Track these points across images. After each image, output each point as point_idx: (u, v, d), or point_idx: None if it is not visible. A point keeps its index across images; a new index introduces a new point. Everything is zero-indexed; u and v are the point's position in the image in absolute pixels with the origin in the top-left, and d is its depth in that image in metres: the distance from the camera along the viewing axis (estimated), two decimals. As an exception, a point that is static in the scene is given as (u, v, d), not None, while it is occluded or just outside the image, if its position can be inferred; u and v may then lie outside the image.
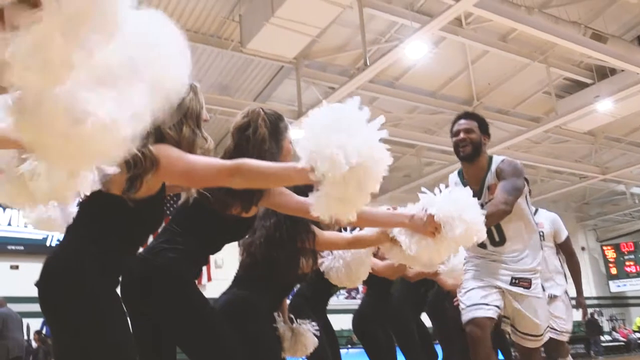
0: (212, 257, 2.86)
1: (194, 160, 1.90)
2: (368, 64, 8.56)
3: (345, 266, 3.33)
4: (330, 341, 3.69)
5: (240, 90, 10.71)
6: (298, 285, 3.69)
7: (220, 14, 8.82)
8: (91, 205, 1.86)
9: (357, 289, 13.96)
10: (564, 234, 4.80)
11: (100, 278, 1.80)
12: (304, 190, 2.02)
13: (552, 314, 4.20)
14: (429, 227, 2.38)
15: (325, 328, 3.69)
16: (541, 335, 3.28)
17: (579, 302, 4.93)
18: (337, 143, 1.66)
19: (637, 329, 19.29)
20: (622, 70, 10.29)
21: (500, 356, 5.35)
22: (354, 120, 1.71)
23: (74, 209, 2.02)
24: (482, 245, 3.22)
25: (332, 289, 3.75)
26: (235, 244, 2.72)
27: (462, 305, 3.22)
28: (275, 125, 2.48)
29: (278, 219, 2.78)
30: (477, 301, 3.13)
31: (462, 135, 3.33)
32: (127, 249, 1.95)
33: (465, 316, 3.15)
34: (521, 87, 11.80)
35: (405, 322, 4.69)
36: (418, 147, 13.57)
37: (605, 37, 8.91)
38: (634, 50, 9.40)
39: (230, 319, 2.52)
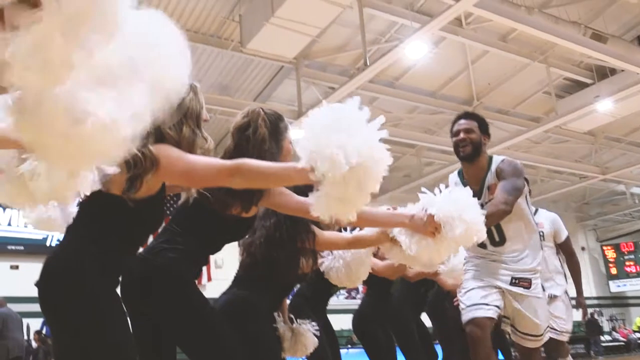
0: (212, 257, 2.86)
1: (194, 160, 1.90)
2: (368, 64, 8.56)
3: (345, 266, 3.33)
4: (330, 341, 3.68)
5: (240, 90, 10.71)
6: (298, 285, 3.69)
7: (220, 14, 8.82)
8: (91, 205, 1.86)
9: (357, 289, 13.96)
10: (564, 234, 4.79)
11: (100, 278, 1.80)
12: (304, 190, 2.02)
13: (552, 314, 4.20)
14: (429, 227, 2.38)
15: (325, 328, 3.69)
16: (541, 335, 3.27)
17: (579, 302, 4.93)
18: (337, 143, 1.66)
19: (637, 329, 19.29)
20: (622, 70, 10.29)
21: (500, 356, 5.35)
22: (354, 120, 1.71)
23: (74, 209, 2.02)
24: (482, 245, 3.21)
25: (332, 289, 3.75)
26: (235, 244, 2.72)
27: (462, 305, 3.22)
28: (275, 125, 2.48)
29: (278, 219, 2.78)
30: (477, 301, 3.13)
31: (462, 135, 3.33)
32: (127, 249, 1.95)
33: (466, 316, 3.14)
34: (521, 87, 11.80)
35: (405, 322, 4.69)
36: (418, 147, 13.57)
37: (605, 37, 8.91)
38: (634, 50, 9.40)
39: (230, 319, 2.52)
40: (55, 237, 11.54)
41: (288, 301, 3.46)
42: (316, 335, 3.15)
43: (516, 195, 3.13)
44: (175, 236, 2.28)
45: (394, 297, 4.62)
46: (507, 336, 4.06)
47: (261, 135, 2.41)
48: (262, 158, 2.28)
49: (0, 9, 0.97)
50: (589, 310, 17.08)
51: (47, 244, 11.65)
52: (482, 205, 3.09)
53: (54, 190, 1.62)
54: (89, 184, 1.64)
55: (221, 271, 12.04)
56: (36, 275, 1.81)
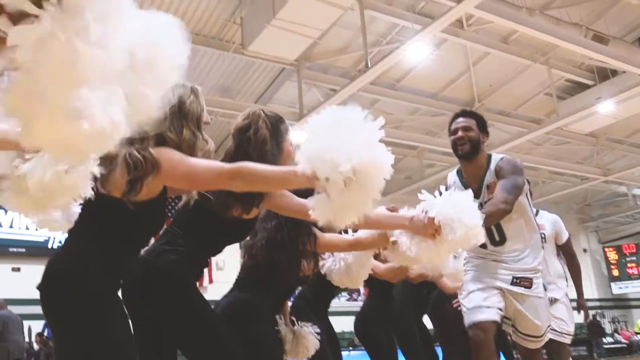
0: (213, 259, 2.87)
1: (195, 163, 1.90)
2: (369, 66, 8.56)
3: (346, 267, 3.32)
4: (331, 343, 3.68)
5: (242, 93, 10.72)
6: (300, 288, 3.69)
7: (221, 17, 8.83)
8: (92, 207, 1.87)
9: (358, 291, 13.97)
10: (565, 236, 4.78)
11: (102, 280, 1.80)
12: (304, 192, 2.02)
13: (553, 315, 4.18)
14: (429, 229, 2.38)
15: (327, 330, 3.69)
16: (542, 336, 3.25)
17: (580, 304, 4.91)
18: (339, 147, 1.66)
19: (639, 331, 19.24)
20: (624, 72, 10.28)
21: (502, 358, 5.34)
22: (355, 125, 1.71)
23: (76, 210, 2.02)
24: (482, 245, 3.13)
25: (333, 291, 3.75)
26: (236, 245, 2.72)
27: (464, 309, 3.19)
28: (276, 127, 2.48)
29: (279, 221, 2.78)
30: (478, 303, 3.10)
31: (460, 133, 3.29)
32: (128, 251, 1.95)
33: (468, 319, 3.11)
34: (522, 88, 11.80)
35: (407, 324, 4.68)
36: (419, 149, 13.58)
37: (607, 38, 8.91)
38: (636, 52, 9.40)
39: (231, 322, 2.52)
40: (56, 239, 11.56)
41: (290, 303, 3.46)
42: (317, 338, 3.15)
43: (516, 194, 3.09)
44: (176, 238, 2.29)
45: (395, 299, 4.62)
46: (509, 337, 4.06)
47: (262, 137, 2.41)
48: (263, 159, 2.29)
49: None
50: (591, 312, 17.12)
51: (49, 246, 11.67)
52: (481, 205, 3.09)
53: (54, 192, 1.62)
54: (89, 188, 1.64)
55: (222, 273, 12.03)
56: (38, 278, 1.82)
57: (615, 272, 20.98)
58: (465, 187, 3.26)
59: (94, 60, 1.00)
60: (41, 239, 11.73)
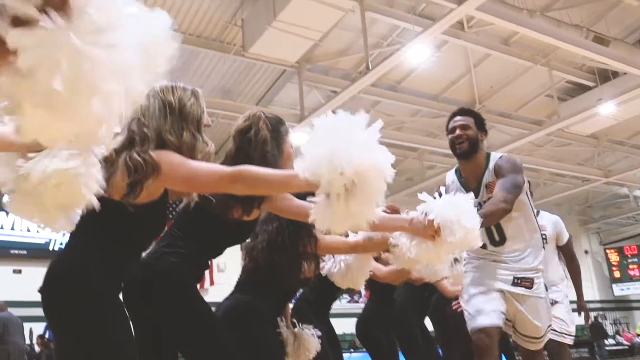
0: (214, 262, 2.87)
1: (196, 166, 1.91)
2: (370, 67, 8.56)
3: (347, 269, 3.33)
4: (333, 345, 3.68)
5: (243, 95, 10.73)
6: (301, 290, 3.69)
7: (222, 19, 8.84)
8: (93, 210, 1.87)
9: (359, 293, 13.95)
10: (565, 237, 4.77)
11: (103, 281, 1.81)
12: (305, 195, 2.02)
13: (553, 316, 4.16)
14: (429, 231, 2.38)
15: (328, 332, 3.69)
16: (542, 337, 3.22)
17: (581, 305, 4.89)
18: (340, 153, 1.66)
19: (641, 333, 19.23)
20: (625, 74, 10.27)
21: (504, 360, 5.34)
22: (356, 130, 1.71)
23: (78, 212, 2.02)
24: (482, 246, 3.13)
25: (335, 294, 3.75)
26: (238, 248, 2.72)
27: (466, 314, 3.14)
28: (277, 129, 2.49)
29: (280, 224, 2.79)
30: (481, 308, 3.05)
31: (458, 132, 3.25)
32: (129, 254, 1.96)
33: (472, 325, 3.06)
34: (524, 90, 11.79)
35: (409, 327, 4.68)
36: (421, 151, 13.58)
37: (608, 40, 8.91)
38: (637, 54, 9.40)
39: (233, 325, 2.52)
40: (58, 241, 11.57)
41: (291, 306, 3.46)
42: (319, 340, 3.15)
43: (516, 194, 3.05)
44: (177, 240, 2.29)
45: (397, 302, 4.62)
46: (511, 340, 4.05)
47: (263, 138, 2.41)
48: (265, 160, 2.29)
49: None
50: (593, 314, 17.09)
51: (50, 248, 11.67)
52: (480, 204, 3.05)
53: (55, 192, 1.61)
54: (93, 190, 1.63)
55: (224, 275, 12.03)
56: (39, 280, 1.82)
57: (617, 274, 20.93)
58: (464, 186, 3.25)
59: (97, 61, 1.00)
60: (42, 242, 11.74)
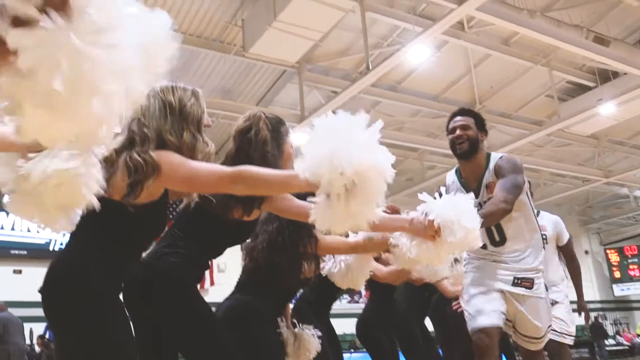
0: (214, 262, 2.88)
1: (196, 166, 1.91)
2: (370, 67, 8.56)
3: (347, 268, 3.33)
4: (333, 345, 3.68)
5: (243, 95, 10.73)
6: (301, 290, 3.69)
7: (222, 19, 8.84)
8: (93, 210, 1.87)
9: (359, 293, 13.95)
10: (565, 237, 4.77)
11: (103, 281, 1.81)
12: (304, 195, 2.02)
13: (553, 315, 4.15)
14: (429, 231, 2.39)
15: (328, 332, 3.69)
16: (542, 337, 3.21)
17: (580, 305, 4.89)
18: (340, 153, 1.66)
19: (641, 333, 19.22)
20: (625, 74, 10.27)
21: (504, 360, 5.34)
22: (356, 130, 1.71)
23: (77, 212, 2.02)
24: (482, 246, 3.11)
25: (335, 294, 3.75)
26: (238, 248, 2.72)
27: (466, 314, 3.14)
28: (277, 129, 2.49)
29: (281, 224, 2.79)
30: (481, 308, 3.05)
31: (458, 132, 3.24)
32: (129, 254, 1.96)
33: (472, 325, 3.05)
34: (524, 90, 11.79)
35: (409, 327, 4.69)
36: (421, 151, 13.58)
37: (608, 40, 8.91)
38: (637, 54, 9.40)
39: (233, 325, 2.52)
40: (58, 241, 11.57)
41: (291, 306, 3.46)
42: (319, 340, 3.15)
43: (516, 193, 3.04)
44: (177, 240, 2.29)
45: (398, 302, 4.62)
46: (511, 340, 4.04)
47: (263, 138, 2.41)
48: (265, 160, 2.30)
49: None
50: (593, 314, 17.08)
51: (50, 248, 11.68)
52: (480, 204, 3.04)
53: (57, 191, 1.61)
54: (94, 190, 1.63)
55: (224, 275, 12.03)
56: (39, 280, 1.82)
57: (617, 274, 20.93)
58: (464, 186, 3.24)
59: (97, 61, 1.00)
60: (42, 242, 11.74)
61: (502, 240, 3.18)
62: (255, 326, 2.66)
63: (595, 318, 17.29)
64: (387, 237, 2.65)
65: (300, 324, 3.15)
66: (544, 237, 4.31)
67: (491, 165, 3.20)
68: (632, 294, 20.90)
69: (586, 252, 20.34)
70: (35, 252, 11.51)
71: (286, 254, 2.76)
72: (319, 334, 3.17)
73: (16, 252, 11.78)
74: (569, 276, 4.82)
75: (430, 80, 11.13)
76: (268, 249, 2.76)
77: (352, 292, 14.00)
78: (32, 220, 1.71)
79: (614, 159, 15.00)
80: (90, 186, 1.58)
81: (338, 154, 1.66)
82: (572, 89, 11.88)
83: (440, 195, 2.49)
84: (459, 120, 3.30)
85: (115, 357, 1.78)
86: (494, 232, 3.17)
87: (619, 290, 20.88)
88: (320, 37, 8.42)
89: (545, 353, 3.86)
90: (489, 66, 10.86)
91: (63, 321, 1.78)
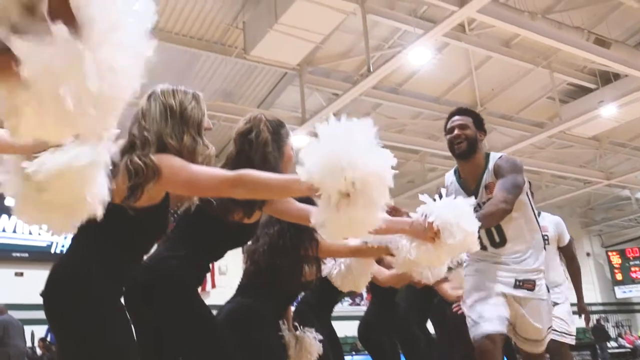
0: (216, 264, 2.88)
1: (197, 170, 1.91)
2: (371, 70, 8.56)
3: (348, 271, 3.33)
4: (334, 348, 3.68)
5: (244, 97, 10.74)
6: (303, 293, 3.69)
7: (224, 21, 8.85)
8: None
9: (361, 296, 13.94)
10: (567, 237, 4.77)
11: (104, 283, 1.81)
12: (305, 198, 2.02)
13: (553, 315, 4.13)
14: (429, 233, 2.39)
15: (330, 335, 3.69)
16: (543, 339, 3.19)
17: (581, 307, 4.87)
18: (341, 158, 1.66)
19: (643, 335, 19.17)
20: (626, 75, 10.27)
21: (506, 362, 5.33)
22: (358, 135, 1.71)
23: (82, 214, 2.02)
24: (482, 247, 3.03)
25: (336, 297, 3.75)
26: (239, 250, 2.72)
27: (470, 321, 3.06)
28: (277, 131, 2.49)
29: (282, 227, 2.79)
30: (485, 315, 2.98)
31: (456, 131, 3.20)
32: (129, 256, 1.96)
33: (477, 332, 2.97)
34: (525, 92, 11.79)
35: (411, 329, 4.68)
36: (422, 153, 13.56)
37: (609, 42, 8.91)
38: (637, 55, 9.39)
39: (234, 328, 2.52)
40: (59, 244, 11.58)
41: (293, 308, 3.46)
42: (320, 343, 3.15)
43: (516, 194, 2.99)
44: (178, 243, 2.29)
45: (400, 304, 4.62)
46: (513, 342, 4.03)
47: (264, 139, 2.42)
48: (266, 161, 2.30)
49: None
50: (595, 317, 17.05)
51: (52, 251, 11.69)
52: (479, 205, 3.00)
53: (60, 191, 1.60)
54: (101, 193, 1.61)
55: (225, 278, 12.02)
56: (41, 283, 1.82)
57: (619, 276, 20.88)
58: (463, 187, 3.21)
59: (102, 71, 1.01)
60: (44, 244, 11.75)
61: (503, 242, 3.14)
62: (257, 329, 2.66)
63: (597, 320, 17.25)
64: (387, 241, 2.65)
65: (302, 327, 3.15)
66: (546, 237, 4.30)
67: (490, 165, 3.16)
68: (634, 296, 20.84)
69: (588, 255, 20.31)
70: (36, 255, 11.52)
71: (287, 256, 2.76)
72: (320, 337, 3.17)
73: (18, 254, 11.79)
74: (569, 277, 4.81)
75: (431, 82, 11.13)
76: (269, 251, 2.76)
77: (353, 295, 13.99)
78: (35, 223, 1.70)
79: (616, 160, 14.97)
80: (95, 187, 1.56)
81: (340, 158, 1.66)
82: (573, 91, 11.87)
83: (441, 196, 2.49)
84: (457, 119, 3.27)
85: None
86: (494, 233, 3.13)
87: (621, 293, 20.83)
88: (321, 39, 8.43)
89: (547, 356, 3.84)
90: (490, 68, 10.86)
91: (64, 324, 1.78)
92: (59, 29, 0.95)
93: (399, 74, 10.57)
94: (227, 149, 2.56)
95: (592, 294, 19.17)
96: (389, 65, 8.60)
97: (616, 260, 20.99)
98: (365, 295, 12.60)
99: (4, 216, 11.56)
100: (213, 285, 12.66)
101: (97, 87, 1.01)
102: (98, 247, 1.85)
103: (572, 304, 4.70)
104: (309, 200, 1.93)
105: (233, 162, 2.36)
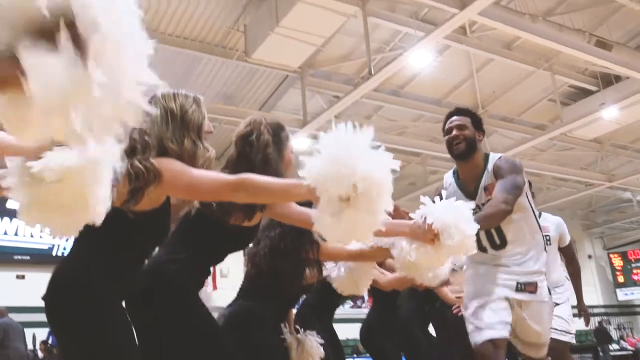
0: (217, 267, 2.88)
1: (198, 174, 1.91)
2: (372, 72, 8.56)
3: (349, 274, 3.33)
4: (335, 351, 3.68)
5: (245, 100, 10.74)
6: (305, 296, 3.69)
7: (225, 24, 8.86)
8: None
9: (362, 299, 13.93)
10: (567, 238, 4.77)
11: (103, 284, 1.82)
12: (306, 202, 2.03)
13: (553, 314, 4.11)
14: (428, 234, 2.39)
15: (331, 338, 3.69)
16: (543, 343, 3.16)
17: (580, 308, 4.86)
18: (343, 164, 1.66)
19: (645, 338, 19.13)
20: (627, 78, 10.27)
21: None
22: (360, 142, 1.71)
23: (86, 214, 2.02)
24: (482, 249, 3.04)
25: (338, 300, 3.75)
26: (240, 253, 2.73)
27: (471, 326, 3.02)
28: (277, 134, 2.50)
29: (283, 230, 2.79)
30: (488, 321, 2.94)
31: (454, 132, 3.18)
32: (130, 260, 1.96)
33: (479, 338, 2.94)
34: (526, 94, 11.78)
35: (412, 332, 4.68)
36: (423, 156, 13.55)
37: (610, 44, 8.90)
38: (639, 58, 9.38)
39: (236, 330, 2.53)
40: (61, 246, 11.58)
41: (294, 311, 3.46)
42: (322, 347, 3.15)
43: (516, 194, 2.95)
44: (178, 247, 2.29)
45: (402, 307, 4.62)
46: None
47: (264, 141, 2.42)
48: (267, 163, 2.30)
49: None
50: (597, 319, 17.01)
51: (53, 253, 11.69)
52: (478, 207, 2.98)
53: (64, 193, 1.59)
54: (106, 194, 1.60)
55: (226, 280, 12.00)
56: (42, 285, 1.82)
57: (621, 279, 20.84)
58: (462, 188, 3.19)
59: (106, 90, 1.02)
60: (45, 247, 11.75)
61: (503, 244, 3.10)
62: (258, 331, 2.66)
63: (599, 323, 17.21)
64: (388, 244, 2.65)
65: (304, 330, 3.15)
66: (547, 238, 4.29)
67: (489, 166, 3.12)
68: (635, 298, 20.80)
69: (589, 257, 20.28)
70: (38, 258, 11.52)
71: (288, 259, 2.77)
72: (322, 340, 3.16)
73: (19, 257, 11.80)
74: (569, 278, 4.82)
75: (432, 84, 11.13)
76: (270, 254, 2.76)
77: (355, 298, 13.98)
78: (37, 224, 1.69)
79: (617, 163, 14.95)
80: (99, 188, 1.55)
81: (341, 162, 1.66)
82: (575, 93, 11.87)
83: (441, 198, 2.49)
84: (455, 120, 3.25)
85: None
86: (494, 235, 3.09)
87: (623, 295, 20.79)
88: (322, 42, 8.43)
89: (549, 359, 3.83)
90: (491, 71, 10.85)
91: (66, 327, 1.78)
92: (66, 43, 0.96)
93: (400, 77, 10.58)
94: (228, 152, 2.56)
95: (594, 296, 19.14)
96: (390, 68, 8.59)
97: (618, 262, 20.95)
98: (366, 297, 12.58)
99: (6, 219, 11.57)
100: (214, 288, 12.64)
101: (101, 98, 1.02)
102: (99, 250, 1.85)
103: (572, 307, 4.70)
104: (310, 204, 1.92)
105: (234, 165, 2.36)
